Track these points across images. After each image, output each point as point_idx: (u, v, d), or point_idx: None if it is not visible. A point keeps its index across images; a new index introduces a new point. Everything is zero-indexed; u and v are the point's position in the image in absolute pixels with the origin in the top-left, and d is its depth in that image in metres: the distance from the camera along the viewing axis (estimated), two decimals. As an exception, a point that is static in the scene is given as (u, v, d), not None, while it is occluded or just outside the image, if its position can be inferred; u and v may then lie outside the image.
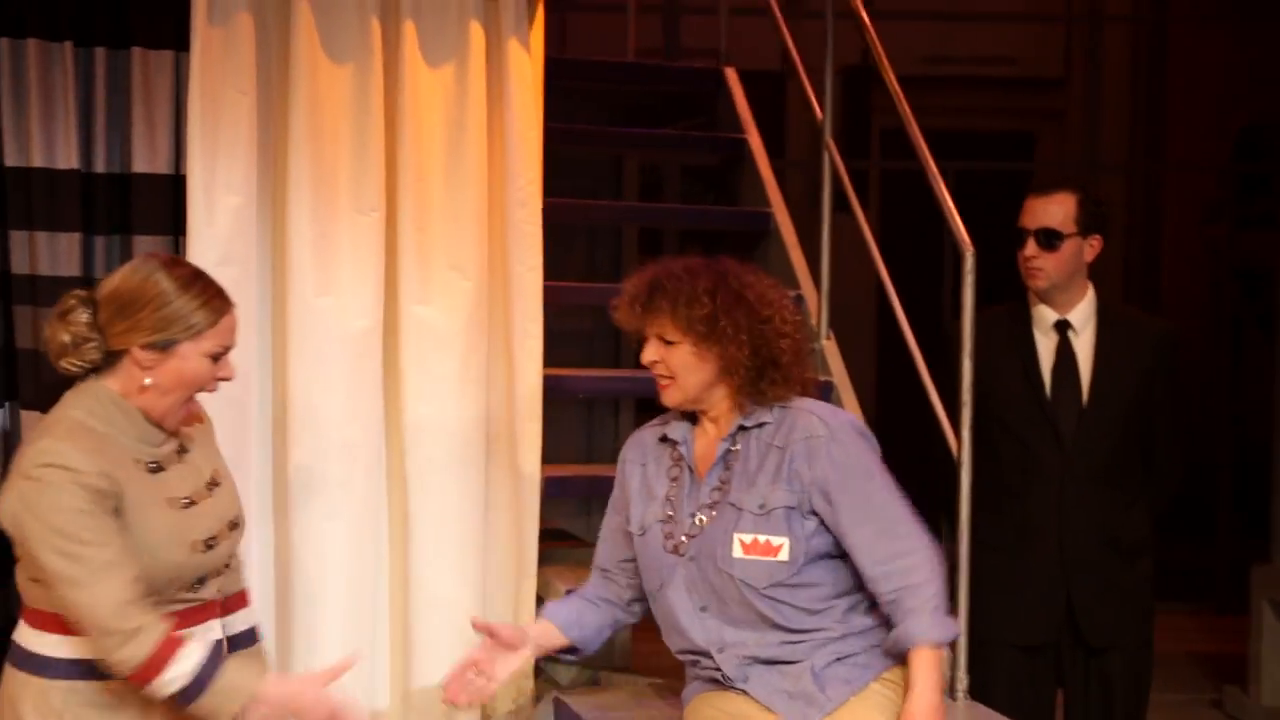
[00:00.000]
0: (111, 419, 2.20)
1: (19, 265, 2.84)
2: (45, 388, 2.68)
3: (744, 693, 2.50)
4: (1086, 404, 3.25)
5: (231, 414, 2.84)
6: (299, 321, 2.91)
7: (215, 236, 2.81)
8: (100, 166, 2.82)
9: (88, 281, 2.81)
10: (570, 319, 3.80)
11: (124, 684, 2.16)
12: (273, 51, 2.89)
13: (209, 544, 2.26)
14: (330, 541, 2.92)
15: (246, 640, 2.40)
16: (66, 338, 2.19)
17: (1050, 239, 3.22)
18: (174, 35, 2.82)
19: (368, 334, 2.96)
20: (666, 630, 2.60)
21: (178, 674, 2.11)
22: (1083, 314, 3.30)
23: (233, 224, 2.83)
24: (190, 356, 2.21)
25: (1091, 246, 3.26)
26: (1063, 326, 3.30)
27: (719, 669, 2.52)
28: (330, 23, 2.90)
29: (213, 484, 2.33)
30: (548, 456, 3.17)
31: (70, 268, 2.79)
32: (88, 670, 2.18)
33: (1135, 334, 3.32)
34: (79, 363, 2.20)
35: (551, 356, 3.18)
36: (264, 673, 2.33)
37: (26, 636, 2.22)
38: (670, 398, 2.55)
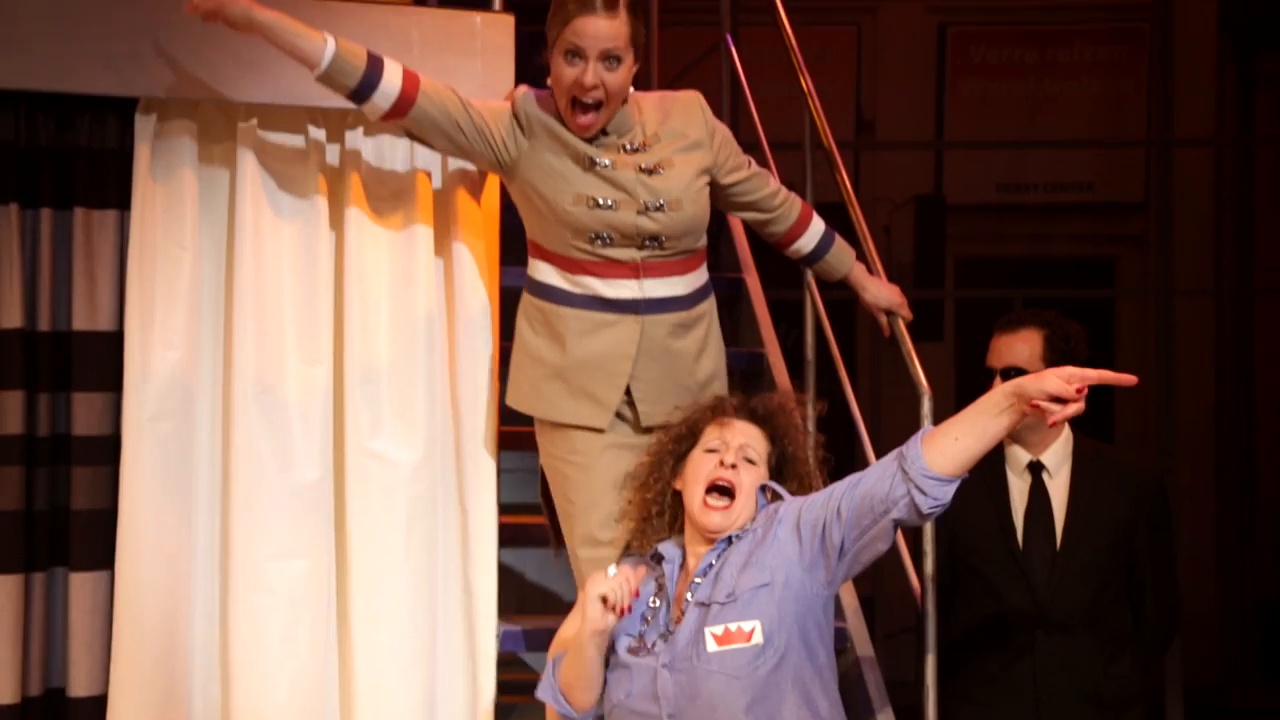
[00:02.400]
0: None
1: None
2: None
3: None
4: (1059, 550, 3.07)
5: (171, 579, 2.83)
6: (244, 474, 2.88)
7: (150, 391, 2.81)
8: (44, 325, 2.84)
9: (30, 440, 2.82)
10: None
11: None
12: (216, 207, 2.91)
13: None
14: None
15: None
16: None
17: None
18: (117, 195, 2.85)
19: (316, 485, 2.92)
20: None
21: None
22: (1057, 455, 3.13)
23: (169, 378, 2.83)
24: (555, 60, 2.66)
25: None
26: (1036, 468, 3.13)
27: None
28: (275, 178, 2.92)
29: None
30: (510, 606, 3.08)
31: (13, 426, 2.80)
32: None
33: (1114, 477, 3.13)
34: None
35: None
36: None
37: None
38: (730, 518, 2.50)
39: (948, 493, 2.38)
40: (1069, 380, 2.29)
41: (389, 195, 2.98)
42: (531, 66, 2.85)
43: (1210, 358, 8.64)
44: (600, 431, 2.74)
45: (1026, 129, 8.85)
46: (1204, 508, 8.47)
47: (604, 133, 2.76)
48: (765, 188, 2.96)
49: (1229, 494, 8.64)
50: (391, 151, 2.99)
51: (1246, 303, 8.72)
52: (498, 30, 2.97)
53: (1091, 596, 3.06)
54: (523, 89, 2.80)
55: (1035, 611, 3.04)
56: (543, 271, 2.81)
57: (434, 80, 2.76)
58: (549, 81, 2.77)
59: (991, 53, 8.99)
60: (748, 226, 4.29)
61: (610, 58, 2.68)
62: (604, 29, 2.66)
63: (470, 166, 3.02)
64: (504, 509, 3.09)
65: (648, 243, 2.75)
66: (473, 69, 2.95)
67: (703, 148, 2.83)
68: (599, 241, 2.73)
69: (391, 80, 2.68)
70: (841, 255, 3.08)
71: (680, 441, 2.60)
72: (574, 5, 2.66)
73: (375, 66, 2.67)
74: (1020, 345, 3.10)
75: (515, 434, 3.19)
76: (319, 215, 2.93)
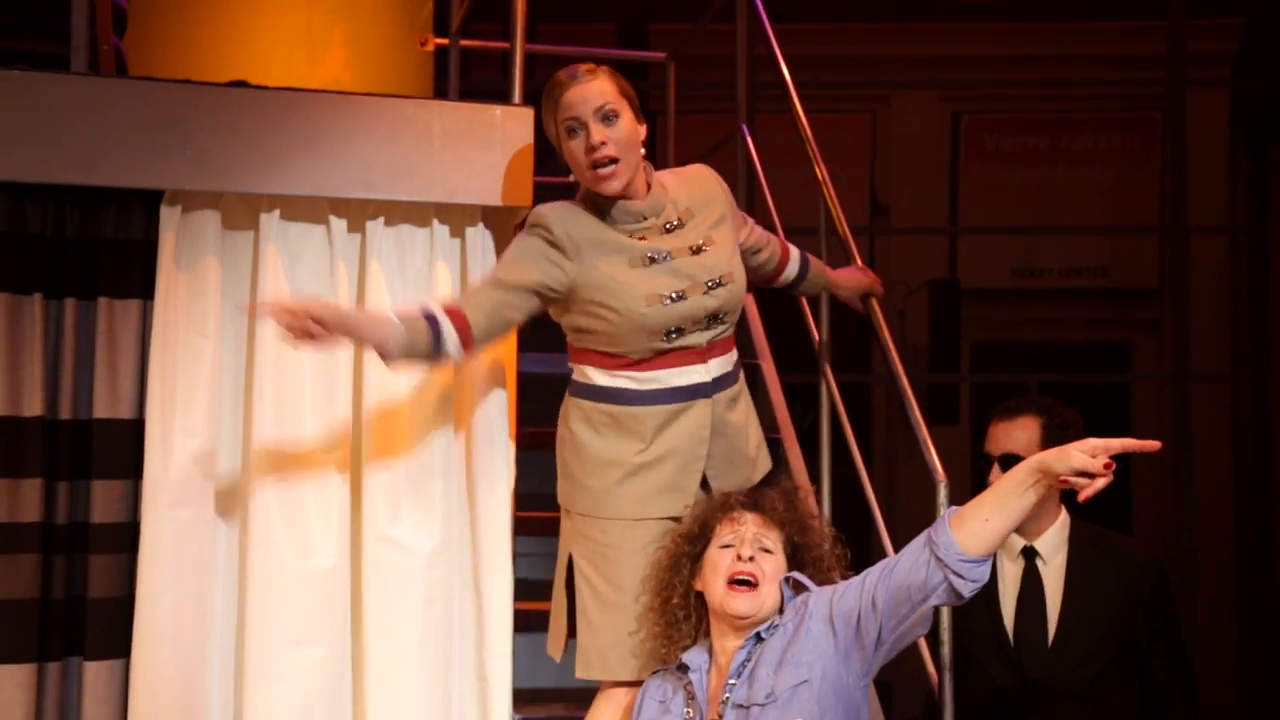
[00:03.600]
0: None
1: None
2: None
3: None
4: (1053, 641, 3.00)
5: (187, 667, 2.81)
6: (260, 561, 2.87)
7: (170, 480, 2.80)
8: (65, 413, 2.84)
9: (48, 528, 2.82)
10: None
11: None
12: (238, 295, 2.92)
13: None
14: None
15: None
16: None
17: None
18: (141, 284, 2.86)
19: (333, 572, 2.91)
20: None
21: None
22: (1052, 541, 3.07)
23: (189, 465, 2.83)
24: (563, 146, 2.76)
25: None
26: (1030, 554, 3.07)
27: None
28: (297, 267, 2.94)
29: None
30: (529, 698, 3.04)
31: (31, 514, 2.80)
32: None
33: (1112, 564, 3.05)
34: None
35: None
36: None
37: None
38: (756, 603, 2.48)
39: (984, 572, 2.36)
40: (1092, 452, 2.26)
41: (409, 285, 2.99)
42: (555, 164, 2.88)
43: (1227, 442, 8.58)
44: (675, 520, 2.74)
45: (1040, 215, 8.89)
46: (1224, 593, 8.36)
47: (643, 218, 2.78)
48: (761, 237, 3.11)
49: (1248, 579, 8.53)
50: (411, 241, 3.01)
51: (1262, 388, 8.68)
52: (517, 123, 2.99)
53: (1090, 682, 2.99)
54: (546, 210, 2.78)
55: (1030, 697, 2.98)
56: (606, 378, 2.78)
57: (465, 293, 2.83)
58: (571, 179, 2.81)
59: (1005, 140, 9.05)
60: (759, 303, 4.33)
61: (606, 115, 2.72)
62: (589, 91, 2.72)
63: (488, 258, 3.04)
64: (521, 593, 3.07)
65: (711, 323, 2.78)
66: (492, 160, 2.97)
67: (727, 219, 2.88)
68: (673, 335, 2.74)
69: (445, 324, 2.68)
70: (819, 269, 3.27)
71: (694, 542, 2.58)
72: (554, 91, 2.75)
73: (431, 320, 2.68)
74: (1018, 433, 3.07)
75: (530, 519, 3.18)
76: (339, 300, 2.94)
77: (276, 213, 2.90)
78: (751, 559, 2.49)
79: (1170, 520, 7.98)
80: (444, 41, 4.77)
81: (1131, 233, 8.74)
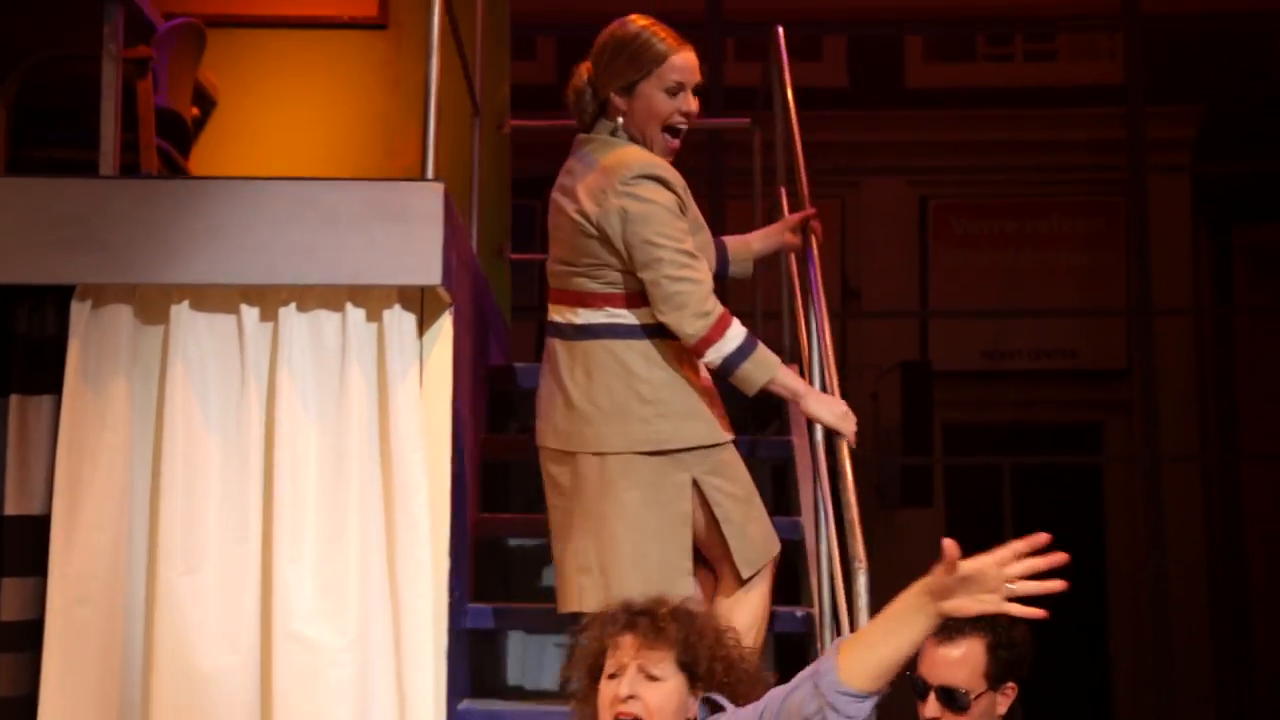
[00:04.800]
0: None
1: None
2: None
3: None
4: None
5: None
6: (166, 656, 2.79)
7: (71, 575, 2.73)
8: (-24, 511, 2.79)
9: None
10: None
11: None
12: (148, 389, 2.86)
13: None
14: None
15: None
16: (571, 94, 2.89)
17: (954, 700, 2.61)
18: (53, 381, 2.81)
19: (239, 669, 2.82)
20: None
21: (729, 340, 2.73)
22: None
23: (94, 561, 2.76)
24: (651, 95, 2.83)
25: (1005, 696, 2.66)
26: None
27: None
28: (207, 357, 2.86)
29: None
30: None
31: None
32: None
33: None
34: (583, 116, 2.88)
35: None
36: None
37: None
38: None
39: (863, 709, 2.06)
40: (996, 578, 1.93)
41: (322, 371, 2.91)
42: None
43: (1199, 521, 8.50)
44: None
45: (1009, 297, 8.89)
46: (1200, 673, 8.23)
47: None
48: None
49: (1225, 658, 8.40)
50: (325, 326, 2.92)
51: (1232, 467, 8.61)
52: (426, 198, 2.88)
53: None
54: (659, 165, 2.85)
55: None
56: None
57: (702, 280, 2.85)
58: (619, 119, 2.88)
59: (972, 224, 9.07)
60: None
61: (697, 91, 2.90)
62: (694, 62, 2.89)
63: (408, 342, 2.95)
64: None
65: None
66: (403, 238, 2.86)
67: None
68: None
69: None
70: (739, 244, 3.23)
71: (597, 656, 2.34)
72: (669, 43, 2.87)
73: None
74: (959, 663, 2.62)
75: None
76: (250, 392, 2.86)
77: (186, 303, 2.85)
78: (630, 698, 2.24)
79: (1144, 597, 7.88)
80: (522, 123, 4.79)
81: (1098, 315, 8.73)
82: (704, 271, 2.81)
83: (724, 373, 2.82)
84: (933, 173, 8.86)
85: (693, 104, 2.88)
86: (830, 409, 2.85)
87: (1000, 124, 8.69)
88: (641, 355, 2.84)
